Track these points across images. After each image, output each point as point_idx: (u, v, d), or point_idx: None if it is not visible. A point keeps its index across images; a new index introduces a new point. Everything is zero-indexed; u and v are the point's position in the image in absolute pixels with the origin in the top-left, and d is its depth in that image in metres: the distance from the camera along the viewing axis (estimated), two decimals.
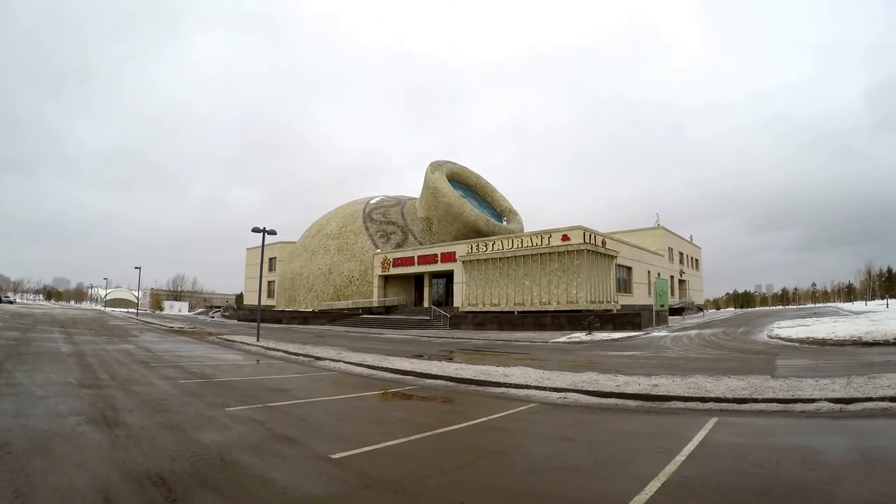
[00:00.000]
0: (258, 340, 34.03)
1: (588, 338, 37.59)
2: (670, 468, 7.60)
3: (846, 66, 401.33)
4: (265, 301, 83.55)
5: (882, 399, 11.66)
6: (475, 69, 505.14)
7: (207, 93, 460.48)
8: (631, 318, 46.01)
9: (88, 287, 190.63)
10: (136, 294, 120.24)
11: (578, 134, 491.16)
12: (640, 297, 63.79)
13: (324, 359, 24.26)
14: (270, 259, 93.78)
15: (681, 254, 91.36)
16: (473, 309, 55.55)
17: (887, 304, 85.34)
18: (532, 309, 51.25)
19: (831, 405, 11.63)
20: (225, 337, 39.66)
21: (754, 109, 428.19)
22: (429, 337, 43.76)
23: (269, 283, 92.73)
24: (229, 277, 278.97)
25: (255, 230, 37.10)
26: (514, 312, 51.91)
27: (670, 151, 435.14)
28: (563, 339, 37.91)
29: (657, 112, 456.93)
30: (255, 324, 41.79)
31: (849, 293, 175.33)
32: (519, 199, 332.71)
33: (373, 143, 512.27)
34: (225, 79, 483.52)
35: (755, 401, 12.23)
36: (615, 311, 50.77)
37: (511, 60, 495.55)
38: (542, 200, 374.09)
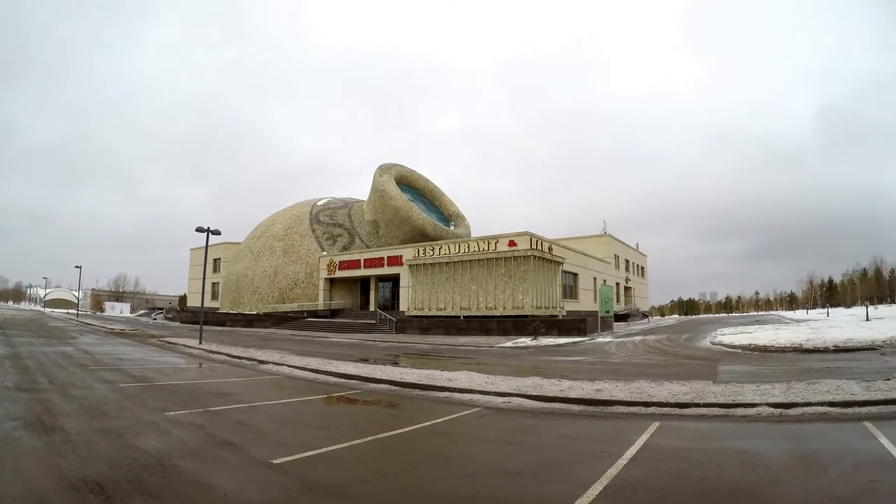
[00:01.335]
0: (201, 343, 33.54)
1: (533, 343, 37.79)
2: (612, 471, 7.64)
3: (799, 88, 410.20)
4: (209, 303, 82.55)
5: (821, 404, 11.88)
6: (435, 73, 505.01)
7: (160, 86, 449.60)
8: (576, 324, 46.37)
9: (27, 287, 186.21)
10: (76, 294, 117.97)
11: (533, 143, 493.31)
12: (585, 303, 64.42)
13: (267, 362, 24.01)
14: (215, 260, 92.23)
15: (626, 261, 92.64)
16: (419, 313, 55.54)
17: (828, 313, 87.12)
18: (478, 314, 51.40)
19: (771, 410, 11.81)
20: (167, 339, 39.02)
21: (707, 125, 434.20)
22: (374, 341, 43.52)
23: (213, 284, 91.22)
24: (173, 278, 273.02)
25: (199, 230, 36.49)
26: (460, 317, 52.01)
27: (622, 163, 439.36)
28: (508, 343, 38.05)
29: (611, 125, 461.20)
30: (198, 326, 41.19)
31: (791, 302, 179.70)
32: (471, 204, 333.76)
33: (329, 143, 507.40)
34: (179, 71, 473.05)
35: (697, 405, 12.37)
36: (561, 317, 51.29)
37: (471, 67, 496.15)
38: (493, 206, 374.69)
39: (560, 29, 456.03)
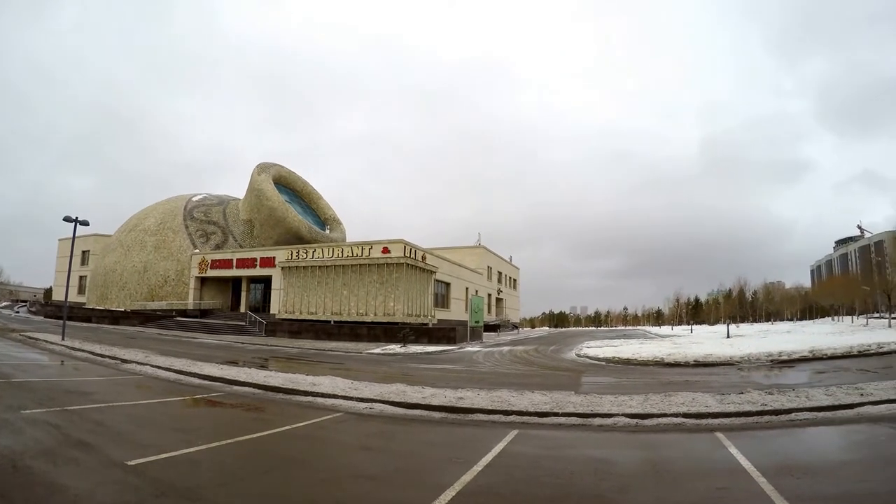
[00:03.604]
0: (63, 339, 32.40)
1: (403, 350, 38.03)
2: (466, 477, 7.82)
3: (687, 117, 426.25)
4: (76, 298, 79.51)
5: (676, 415, 12.39)
6: (342, 80, 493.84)
7: (61, 65, 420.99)
8: (446, 333, 47.02)
9: None
10: None
11: (431, 154, 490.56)
12: (457, 312, 65.12)
13: (130, 361, 23.45)
14: (84, 252, 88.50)
15: (499, 273, 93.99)
16: (290, 316, 54.93)
17: (692, 330, 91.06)
18: (349, 319, 51.38)
19: (628, 420, 12.26)
20: (28, 334, 37.46)
21: (600, 145, 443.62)
22: (243, 343, 42.87)
23: (81, 278, 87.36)
24: (40, 270, 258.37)
25: (67, 219, 35.18)
26: (330, 322, 51.78)
27: (517, 179, 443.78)
28: (377, 350, 38.17)
29: (511, 141, 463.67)
30: (62, 321, 39.68)
31: (658, 318, 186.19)
32: (362, 209, 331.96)
33: (227, 139, 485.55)
34: (83, 52, 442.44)
35: (556, 414, 12.71)
36: (431, 326, 51.75)
37: (379, 76, 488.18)
38: (385, 214, 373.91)
39: (467, 44, 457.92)
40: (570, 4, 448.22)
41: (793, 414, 12.47)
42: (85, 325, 60.23)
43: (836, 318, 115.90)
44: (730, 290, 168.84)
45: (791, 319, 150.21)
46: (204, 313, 65.52)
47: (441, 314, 60.06)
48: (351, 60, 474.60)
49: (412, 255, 52.55)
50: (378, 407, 14.04)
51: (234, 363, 24.98)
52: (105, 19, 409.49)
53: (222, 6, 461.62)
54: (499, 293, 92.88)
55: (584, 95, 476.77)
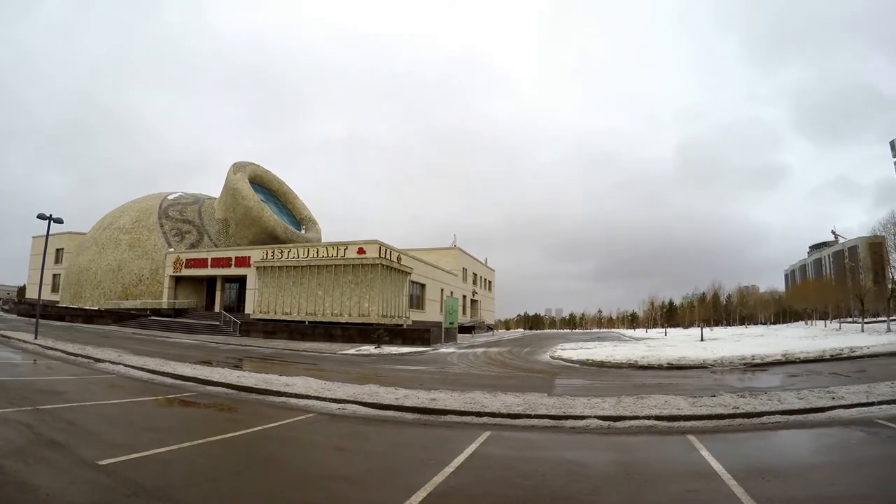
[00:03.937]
0: (36, 338, 31.99)
1: (377, 351, 37.96)
2: (438, 479, 7.81)
3: (664, 121, 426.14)
4: (50, 296, 78.41)
5: (648, 417, 12.41)
6: (326, 80, 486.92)
7: (44, 60, 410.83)
8: (421, 334, 47.02)
9: None
10: None
11: (413, 155, 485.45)
12: (432, 313, 65.12)
13: (103, 361, 23.28)
14: (58, 250, 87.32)
15: (475, 275, 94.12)
16: (265, 316, 54.69)
17: (665, 333, 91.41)
18: (324, 320, 51.29)
19: (600, 422, 12.27)
20: (0, 333, 37.10)
21: (581, 148, 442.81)
22: (217, 343, 42.59)
23: (55, 276, 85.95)
24: (14, 267, 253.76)
25: (41, 217, 34.73)
26: (305, 322, 51.62)
27: (498, 178, 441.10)
28: (352, 351, 38.08)
29: (494, 141, 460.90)
30: (35, 320, 39.28)
31: (632, 321, 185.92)
32: (340, 209, 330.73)
33: (208, 137, 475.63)
34: (71, 47, 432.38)
35: (528, 416, 12.71)
36: (406, 327, 51.70)
37: (357, 71, 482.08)
38: (362, 213, 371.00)
39: (449, 46, 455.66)
40: (559, 12, 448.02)
41: (764, 417, 12.52)
42: (58, 323, 59.47)
43: (809, 322, 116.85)
44: (704, 293, 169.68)
45: (765, 323, 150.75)
46: (178, 313, 64.95)
47: (416, 315, 60.09)
48: (340, 59, 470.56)
49: (387, 256, 52.64)
50: (351, 408, 14.01)
51: (207, 363, 24.86)
52: (93, 15, 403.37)
53: (210, 2, 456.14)
54: (474, 295, 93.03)
55: (566, 98, 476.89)
